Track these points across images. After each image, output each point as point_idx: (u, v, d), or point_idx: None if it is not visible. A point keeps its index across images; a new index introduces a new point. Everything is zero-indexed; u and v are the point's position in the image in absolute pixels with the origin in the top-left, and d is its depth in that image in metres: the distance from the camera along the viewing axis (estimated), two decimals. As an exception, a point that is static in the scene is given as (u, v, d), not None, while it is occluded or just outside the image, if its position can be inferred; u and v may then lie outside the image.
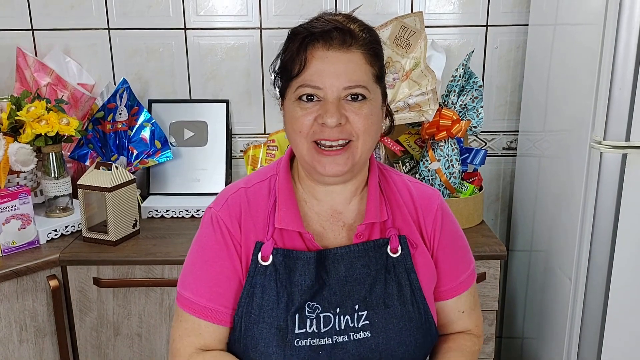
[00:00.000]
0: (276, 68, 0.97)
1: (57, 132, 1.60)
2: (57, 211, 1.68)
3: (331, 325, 0.94)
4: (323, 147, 0.91)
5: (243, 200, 1.00)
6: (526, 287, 1.85)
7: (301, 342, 0.93)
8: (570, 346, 1.50)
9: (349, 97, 0.91)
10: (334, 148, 0.91)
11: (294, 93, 0.92)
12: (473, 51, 1.73)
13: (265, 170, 1.05)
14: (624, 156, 1.32)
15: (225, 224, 0.98)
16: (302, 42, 0.90)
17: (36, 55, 1.90)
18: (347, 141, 0.92)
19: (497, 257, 1.55)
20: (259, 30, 1.90)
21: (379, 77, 0.95)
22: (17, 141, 1.60)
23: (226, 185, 1.89)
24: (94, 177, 1.56)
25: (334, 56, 0.89)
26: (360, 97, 0.91)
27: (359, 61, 0.91)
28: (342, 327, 0.94)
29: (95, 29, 1.90)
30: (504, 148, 1.99)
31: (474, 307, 1.10)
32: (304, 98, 0.91)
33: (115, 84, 1.90)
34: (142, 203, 1.81)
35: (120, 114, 1.81)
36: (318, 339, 0.93)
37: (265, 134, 1.98)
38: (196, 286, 0.98)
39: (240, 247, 0.97)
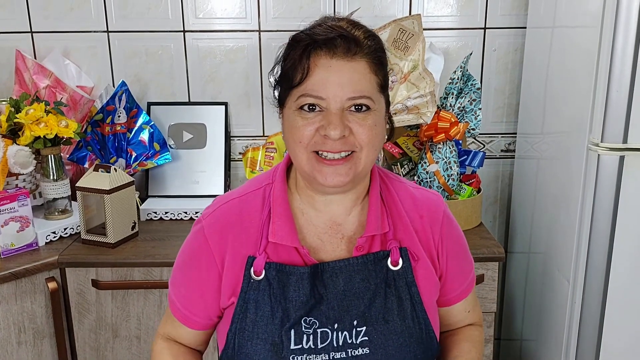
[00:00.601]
0: (275, 75, 0.93)
1: (56, 135, 1.60)
2: (56, 213, 1.68)
3: (328, 341, 0.92)
4: (324, 157, 0.88)
5: (234, 211, 0.97)
6: (524, 289, 1.85)
7: (297, 358, 0.91)
8: (568, 348, 1.50)
9: (352, 108, 0.87)
10: (336, 158, 0.88)
11: (294, 102, 0.88)
12: (471, 54, 1.73)
13: (261, 178, 1.02)
14: (622, 158, 1.32)
15: (206, 236, 0.96)
16: (304, 49, 0.86)
17: (35, 58, 1.90)
18: (349, 152, 0.89)
19: (496, 259, 1.55)
20: (257, 32, 1.90)
21: (384, 87, 0.92)
22: (16, 143, 1.60)
23: (224, 187, 1.91)
24: (92, 179, 1.56)
25: (337, 65, 0.85)
26: (364, 108, 0.87)
27: (363, 70, 0.87)
28: (340, 343, 0.92)
29: (95, 31, 1.91)
30: (502, 150, 2.00)
31: (476, 303, 1.11)
32: (306, 108, 0.87)
33: (114, 86, 1.90)
34: (140, 205, 1.81)
35: (119, 116, 1.81)
36: (314, 355, 0.91)
37: (264, 136, 1.99)
38: (175, 288, 1.02)
39: (222, 261, 0.95)
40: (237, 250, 0.95)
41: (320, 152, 0.88)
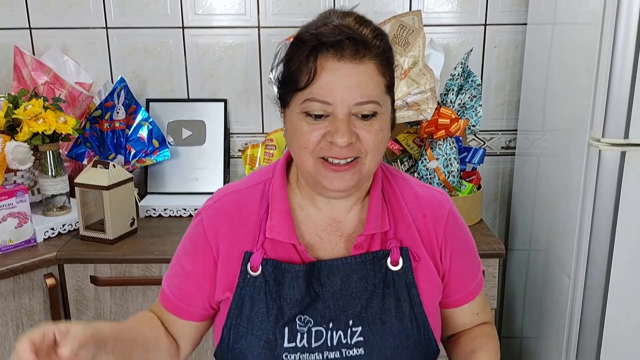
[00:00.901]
0: (277, 75, 0.90)
1: (55, 131, 1.60)
2: (54, 210, 1.67)
3: (323, 340, 0.90)
4: (330, 162, 0.86)
5: (233, 205, 0.96)
6: (525, 286, 1.85)
7: (290, 357, 0.90)
8: (569, 345, 1.49)
9: (359, 115, 0.84)
10: (342, 164, 0.86)
11: (299, 104, 0.85)
12: (472, 50, 1.72)
13: (261, 172, 1.00)
14: (623, 154, 1.31)
15: (205, 228, 0.95)
16: (310, 51, 0.83)
17: (34, 54, 1.89)
18: (354, 157, 0.87)
19: (496, 256, 1.54)
20: (257, 29, 1.89)
21: (390, 86, 0.89)
22: (14, 139, 1.59)
23: (224, 185, 1.89)
24: (91, 175, 1.55)
25: (345, 68, 0.82)
26: (371, 115, 0.85)
27: (371, 73, 0.84)
28: (334, 343, 0.90)
29: (93, 27, 1.90)
30: (502, 147, 1.99)
31: (486, 305, 1.08)
32: (314, 113, 0.84)
33: (112, 82, 1.90)
34: (139, 202, 1.80)
35: (117, 112, 1.80)
36: (308, 354, 0.90)
37: (263, 133, 1.98)
38: (169, 280, 1.00)
39: (219, 254, 0.94)
40: (235, 245, 0.94)
41: (326, 158, 0.86)
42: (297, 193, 0.97)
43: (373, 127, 0.85)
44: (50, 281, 1.50)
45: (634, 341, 1.43)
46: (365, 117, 0.85)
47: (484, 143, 1.99)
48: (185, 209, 1.79)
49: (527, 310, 1.83)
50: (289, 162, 0.99)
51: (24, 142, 1.59)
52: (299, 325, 0.91)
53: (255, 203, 0.96)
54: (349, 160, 0.86)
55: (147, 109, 1.91)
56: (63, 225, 1.64)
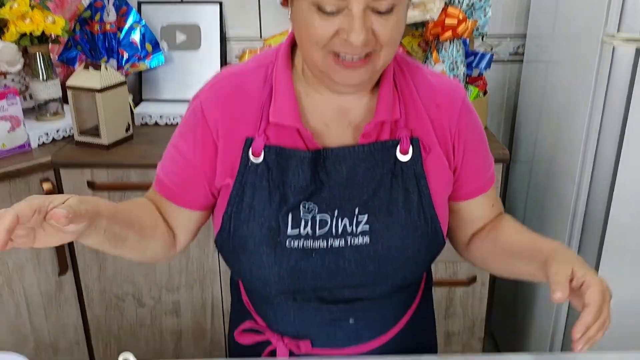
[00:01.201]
0: None
1: (43, 32, 1.53)
2: (48, 115, 1.63)
3: (327, 228, 0.88)
4: (343, 58, 0.80)
5: (233, 88, 0.90)
6: (526, 196, 1.84)
7: (293, 244, 0.88)
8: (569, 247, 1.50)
9: (376, 9, 0.77)
10: (355, 59, 0.79)
11: None
12: (482, -55, 1.62)
13: (263, 56, 0.94)
14: (637, 51, 1.26)
15: (203, 110, 0.89)
16: None
17: (17, -48, 1.78)
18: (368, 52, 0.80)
19: (500, 160, 1.51)
20: None
21: None
22: (2, 40, 1.53)
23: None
24: (83, 77, 1.50)
25: None
26: (388, 9, 0.77)
27: None
28: (339, 232, 0.88)
29: None
30: (510, 54, 1.91)
31: (498, 199, 1.05)
32: (326, 9, 0.76)
33: (102, -17, 1.80)
34: (134, 109, 1.75)
35: (108, 14, 1.72)
36: (312, 241, 0.88)
37: (260, 38, 1.90)
38: (166, 167, 0.95)
39: (219, 137, 0.89)
40: (235, 130, 0.89)
41: (337, 52, 0.80)
42: (301, 79, 0.91)
43: (390, 21, 0.78)
44: (46, 186, 1.48)
45: (635, 247, 1.43)
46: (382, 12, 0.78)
47: (492, 49, 1.91)
48: (181, 116, 1.74)
49: (528, 217, 1.83)
50: (292, 46, 0.92)
51: (12, 42, 1.53)
52: (303, 212, 0.88)
53: (258, 87, 0.90)
54: (362, 56, 0.80)
55: (139, 12, 1.82)
56: (57, 131, 1.60)
